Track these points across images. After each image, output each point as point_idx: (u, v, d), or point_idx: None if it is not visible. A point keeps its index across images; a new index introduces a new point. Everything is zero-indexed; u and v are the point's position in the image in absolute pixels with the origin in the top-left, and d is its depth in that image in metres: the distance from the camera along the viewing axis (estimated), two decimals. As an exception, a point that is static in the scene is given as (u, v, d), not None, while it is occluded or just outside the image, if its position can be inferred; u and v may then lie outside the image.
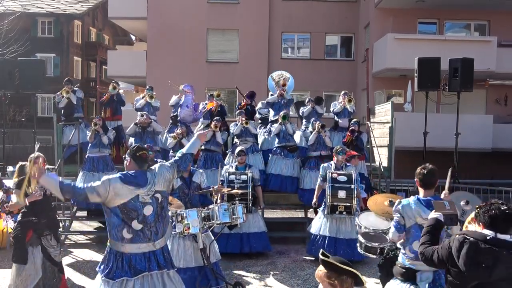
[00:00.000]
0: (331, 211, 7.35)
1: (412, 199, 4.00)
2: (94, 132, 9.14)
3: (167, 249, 4.24)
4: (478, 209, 3.11)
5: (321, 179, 7.68)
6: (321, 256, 2.65)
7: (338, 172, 7.53)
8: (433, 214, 3.48)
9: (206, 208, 5.63)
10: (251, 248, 7.88)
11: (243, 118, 9.67)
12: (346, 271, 2.55)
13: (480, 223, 3.07)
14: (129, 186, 3.85)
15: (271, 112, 10.75)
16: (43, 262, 5.31)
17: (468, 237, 2.98)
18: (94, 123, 9.19)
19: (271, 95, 11.46)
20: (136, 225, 3.89)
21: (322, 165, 7.91)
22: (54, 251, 5.44)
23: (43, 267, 5.32)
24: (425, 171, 3.93)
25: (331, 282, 2.58)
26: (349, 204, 7.24)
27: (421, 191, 3.99)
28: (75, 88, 10.75)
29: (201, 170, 6.24)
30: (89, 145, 9.31)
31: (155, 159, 8.05)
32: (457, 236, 3.06)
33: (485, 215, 3.02)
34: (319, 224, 7.67)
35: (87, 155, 9.32)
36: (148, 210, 3.94)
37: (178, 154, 4.32)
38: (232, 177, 7.71)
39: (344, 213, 7.32)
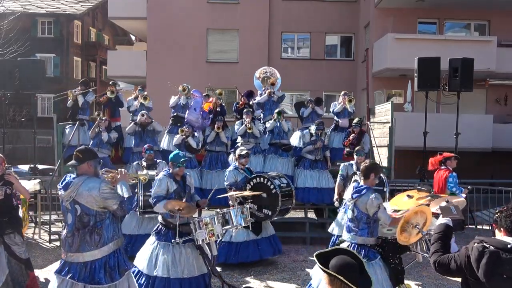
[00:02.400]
0: None
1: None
2: (96, 127, 9.23)
3: (100, 264, 4.08)
4: (499, 214, 2.94)
5: (341, 178, 7.67)
6: (314, 255, 2.67)
7: None
8: (442, 220, 3.37)
9: (221, 211, 5.42)
10: (279, 251, 7.78)
11: (248, 120, 9.55)
12: (328, 273, 2.56)
13: (501, 228, 2.89)
14: (61, 189, 4.07)
15: (261, 114, 10.69)
16: (8, 259, 5.32)
17: (488, 246, 2.79)
18: (98, 113, 9.37)
19: (260, 94, 11.51)
20: (64, 230, 4.12)
21: (343, 164, 7.90)
22: (19, 248, 5.43)
23: (9, 264, 5.32)
24: (364, 166, 4.99)
25: (325, 279, 2.62)
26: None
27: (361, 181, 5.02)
28: (90, 90, 10.59)
29: (188, 173, 5.93)
30: (90, 144, 9.30)
31: (155, 159, 8.05)
32: (476, 244, 2.86)
33: (507, 220, 2.85)
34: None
35: None
36: (68, 218, 4.06)
37: (125, 194, 4.23)
38: (277, 181, 7.23)
39: None
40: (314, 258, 2.63)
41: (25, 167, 15.37)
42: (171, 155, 5.61)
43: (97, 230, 4.04)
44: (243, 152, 7.40)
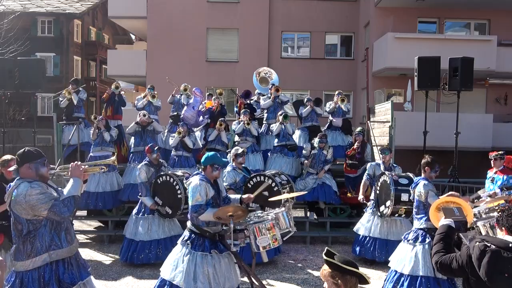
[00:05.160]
0: (391, 214, 6.96)
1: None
2: (96, 129, 9.22)
3: (33, 276, 3.76)
4: (501, 213, 2.94)
5: (368, 177, 7.82)
6: (324, 256, 2.65)
7: (399, 174, 7.17)
8: (444, 221, 3.35)
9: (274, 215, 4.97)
10: (279, 251, 7.89)
11: (246, 118, 9.61)
12: (349, 271, 2.56)
13: (503, 228, 2.90)
14: None
15: (265, 115, 10.71)
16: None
17: (489, 245, 2.80)
18: (94, 117, 9.37)
19: (257, 93, 11.55)
20: None
21: (369, 163, 8.08)
22: None
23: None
24: (423, 162, 5.77)
25: (335, 281, 2.58)
26: (410, 207, 6.54)
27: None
28: (80, 89, 10.77)
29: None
30: (92, 144, 9.46)
31: (159, 160, 8.01)
32: (477, 243, 2.86)
33: (508, 219, 2.85)
34: (369, 226, 7.56)
35: (90, 154, 9.41)
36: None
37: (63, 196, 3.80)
38: (278, 179, 7.13)
39: (403, 215, 6.92)
40: (330, 260, 2.59)
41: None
42: (209, 155, 4.89)
43: (30, 239, 3.73)
44: (239, 151, 7.32)
